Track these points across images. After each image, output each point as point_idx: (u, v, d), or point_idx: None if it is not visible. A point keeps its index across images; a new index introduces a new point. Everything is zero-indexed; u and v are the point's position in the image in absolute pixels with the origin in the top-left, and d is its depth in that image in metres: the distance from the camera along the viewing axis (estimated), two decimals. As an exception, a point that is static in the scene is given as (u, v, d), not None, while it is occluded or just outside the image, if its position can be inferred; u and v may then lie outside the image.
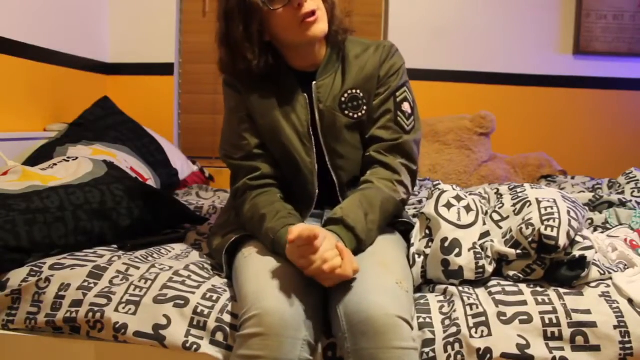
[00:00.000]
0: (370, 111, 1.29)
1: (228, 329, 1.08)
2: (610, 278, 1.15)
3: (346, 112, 1.28)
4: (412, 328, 0.99)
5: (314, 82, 1.28)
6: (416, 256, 1.22)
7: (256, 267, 1.09)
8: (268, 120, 1.27)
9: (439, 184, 1.32)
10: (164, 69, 2.94)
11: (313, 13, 1.18)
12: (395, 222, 1.31)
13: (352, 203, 1.18)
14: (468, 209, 1.24)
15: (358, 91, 1.28)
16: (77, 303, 1.14)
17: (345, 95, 1.28)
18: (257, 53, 1.22)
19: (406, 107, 1.29)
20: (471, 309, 1.08)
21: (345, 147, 1.29)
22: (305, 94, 1.28)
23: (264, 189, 1.26)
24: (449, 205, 1.24)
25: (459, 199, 1.26)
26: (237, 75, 1.28)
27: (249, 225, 1.23)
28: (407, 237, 1.31)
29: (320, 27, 1.20)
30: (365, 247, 1.15)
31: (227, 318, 1.10)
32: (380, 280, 1.03)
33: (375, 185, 1.23)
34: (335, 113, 1.27)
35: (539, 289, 1.13)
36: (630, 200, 1.62)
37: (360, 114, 1.28)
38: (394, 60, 1.31)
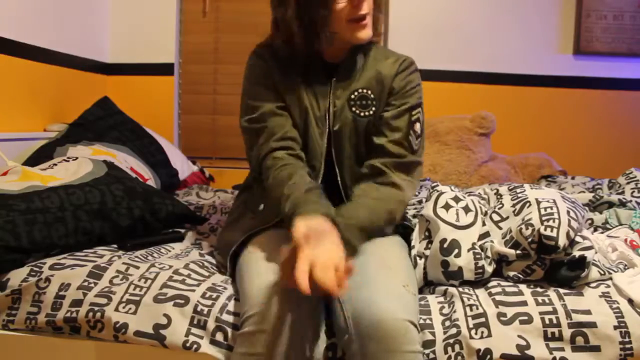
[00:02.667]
0: (378, 115, 1.30)
1: (228, 328, 1.09)
2: (610, 278, 1.15)
3: (353, 109, 1.30)
4: (419, 331, 1.00)
5: (333, 79, 1.31)
6: (417, 258, 1.22)
7: (259, 265, 1.09)
8: (291, 94, 1.29)
9: (437, 185, 1.32)
10: (164, 69, 2.94)
11: (364, 17, 1.22)
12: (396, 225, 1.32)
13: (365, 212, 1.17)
14: (467, 209, 1.24)
15: (369, 92, 1.31)
16: (77, 303, 1.14)
17: (356, 93, 1.30)
18: (302, 34, 1.24)
19: (417, 127, 1.30)
20: (471, 310, 1.08)
21: (349, 144, 1.30)
22: (329, 82, 1.31)
23: (288, 159, 1.23)
24: (447, 207, 1.24)
25: (457, 199, 1.26)
26: (272, 48, 1.32)
27: (273, 195, 1.20)
28: (406, 239, 1.31)
29: (367, 32, 1.25)
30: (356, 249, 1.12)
31: (226, 317, 1.10)
32: (388, 283, 1.04)
33: (383, 199, 1.21)
34: (344, 110, 1.30)
35: (539, 289, 1.13)
36: (630, 201, 1.62)
37: (367, 113, 1.30)
38: (412, 77, 1.32)
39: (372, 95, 1.30)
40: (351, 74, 1.32)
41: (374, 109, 1.30)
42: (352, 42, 1.27)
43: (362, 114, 1.30)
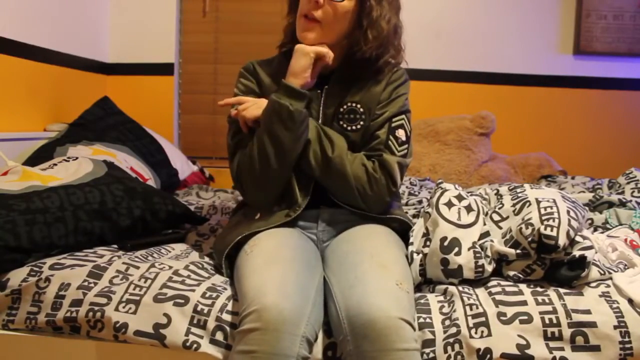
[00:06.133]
0: (366, 129, 1.31)
1: (228, 328, 1.09)
2: (610, 278, 1.15)
3: (340, 122, 1.31)
4: (414, 329, 1.00)
5: (325, 87, 1.32)
6: (414, 254, 1.22)
7: (257, 263, 1.10)
8: None
9: (442, 182, 1.32)
10: (164, 69, 2.94)
11: (307, 15, 1.25)
12: (391, 219, 1.31)
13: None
14: (469, 209, 1.24)
15: (358, 106, 1.31)
16: (77, 302, 1.14)
17: (345, 106, 1.31)
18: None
19: (400, 133, 1.30)
20: (471, 309, 1.08)
21: None
22: (319, 91, 1.33)
23: None
24: (449, 204, 1.24)
25: (460, 198, 1.26)
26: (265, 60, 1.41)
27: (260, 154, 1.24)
28: (403, 236, 1.31)
29: (308, 35, 1.27)
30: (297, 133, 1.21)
31: (226, 317, 1.10)
32: (381, 282, 1.04)
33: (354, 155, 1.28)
34: (332, 122, 1.31)
35: (539, 289, 1.13)
36: (630, 200, 1.62)
37: (354, 127, 1.31)
38: (399, 88, 1.34)
39: (361, 109, 1.31)
40: (344, 85, 1.33)
41: (362, 122, 1.31)
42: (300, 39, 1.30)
43: (349, 127, 1.31)
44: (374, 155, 1.28)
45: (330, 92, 1.33)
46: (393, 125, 1.30)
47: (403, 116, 1.32)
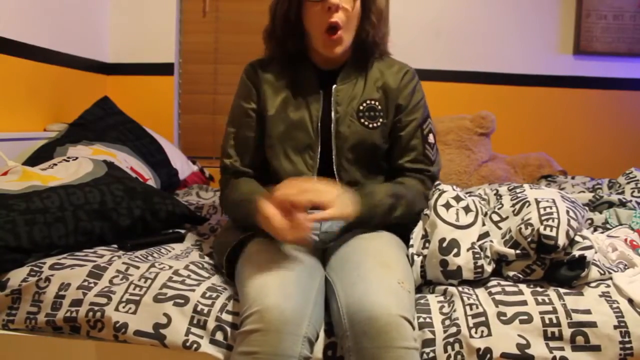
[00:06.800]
0: (387, 126, 1.35)
1: (228, 328, 1.09)
2: (610, 278, 1.15)
3: (362, 121, 1.33)
4: (413, 328, 1.00)
5: (334, 86, 1.34)
6: (415, 256, 1.22)
7: (258, 264, 1.10)
8: (278, 106, 1.34)
9: (439, 184, 1.33)
10: (164, 69, 2.94)
11: (335, 30, 1.25)
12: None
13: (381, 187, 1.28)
14: (467, 209, 1.24)
15: (376, 103, 1.34)
16: (77, 302, 1.14)
17: (364, 104, 1.34)
18: (290, 34, 1.32)
19: (431, 138, 1.37)
20: (471, 309, 1.08)
21: (354, 152, 1.33)
22: (321, 91, 1.34)
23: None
24: (447, 206, 1.24)
25: (458, 199, 1.26)
26: (266, 59, 1.39)
27: (235, 212, 1.31)
28: (404, 238, 1.31)
29: (336, 50, 1.28)
30: (368, 221, 1.21)
31: (226, 317, 1.10)
32: (383, 280, 1.04)
33: (407, 184, 1.32)
34: (351, 119, 1.33)
35: (539, 289, 1.13)
36: (630, 200, 1.62)
37: (375, 125, 1.34)
38: (417, 91, 1.38)
39: (379, 107, 1.34)
40: (354, 82, 1.35)
41: (381, 120, 1.34)
42: (324, 53, 1.30)
43: (370, 125, 1.33)
44: (421, 171, 1.35)
45: (340, 89, 1.34)
46: (424, 132, 1.37)
47: (429, 120, 1.39)
